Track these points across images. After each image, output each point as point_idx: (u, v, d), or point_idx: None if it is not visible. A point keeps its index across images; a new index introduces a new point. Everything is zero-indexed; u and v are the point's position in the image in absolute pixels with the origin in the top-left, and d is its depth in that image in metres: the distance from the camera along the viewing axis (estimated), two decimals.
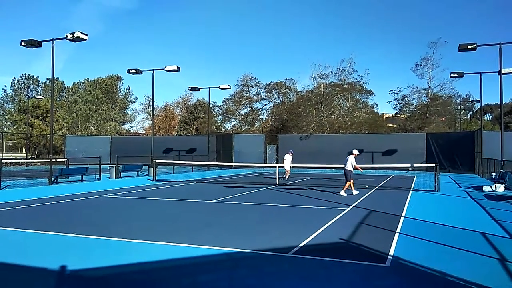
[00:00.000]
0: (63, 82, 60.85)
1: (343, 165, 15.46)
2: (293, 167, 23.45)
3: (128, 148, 40.54)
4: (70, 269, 5.77)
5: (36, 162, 41.34)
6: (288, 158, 22.86)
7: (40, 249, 7.06)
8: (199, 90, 36.29)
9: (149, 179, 22.67)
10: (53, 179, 19.57)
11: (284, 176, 22.67)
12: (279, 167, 21.52)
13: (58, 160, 30.98)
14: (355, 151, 15.66)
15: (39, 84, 59.90)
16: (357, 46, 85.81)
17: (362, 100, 49.54)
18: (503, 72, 22.24)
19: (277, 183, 19.80)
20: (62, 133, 49.99)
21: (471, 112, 63.00)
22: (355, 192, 15.15)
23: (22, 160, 40.07)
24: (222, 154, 38.11)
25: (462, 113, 51.24)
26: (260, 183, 20.63)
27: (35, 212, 11.05)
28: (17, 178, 23.02)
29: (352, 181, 15.20)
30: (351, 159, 15.29)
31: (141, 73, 28.65)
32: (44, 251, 6.89)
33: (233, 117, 57.06)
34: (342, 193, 14.92)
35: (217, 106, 58.08)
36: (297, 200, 13.58)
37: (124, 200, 13.78)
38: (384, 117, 58.63)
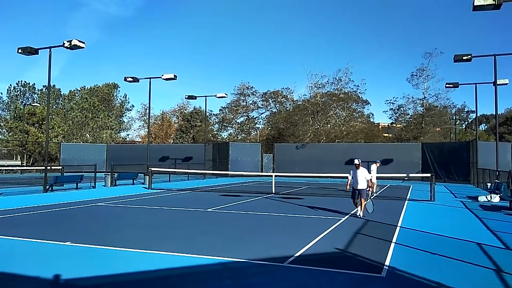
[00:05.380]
0: (60, 89, 60.75)
1: (338, 174, 14.56)
2: (291, 176, 21.54)
3: (124, 156, 40.40)
4: (64, 278, 5.71)
5: (31, 169, 41.10)
6: (374, 168, 19.10)
7: (34, 257, 6.98)
8: (196, 99, 36.35)
9: (145, 188, 22.55)
10: (48, 186, 19.43)
11: (370, 189, 18.34)
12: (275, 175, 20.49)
13: (53, 167, 30.76)
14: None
15: (35, 91, 59.73)
16: (353, 56, 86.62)
17: (358, 109, 49.83)
18: (498, 83, 22.44)
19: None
20: (57, 140, 49.76)
21: (466, 122, 63.38)
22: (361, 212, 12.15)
23: (17, 168, 39.84)
24: (218, 163, 38.08)
25: (457, 123, 51.54)
26: (257, 192, 20.58)
27: (29, 220, 10.95)
28: (12, 185, 22.85)
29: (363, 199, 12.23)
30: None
31: (138, 81, 28.62)
32: (38, 260, 6.81)
33: (230, 125, 57.13)
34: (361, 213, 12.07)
35: (213, 114, 58.23)
36: (293, 210, 13.54)
37: (119, 209, 13.69)
38: (380, 126, 58.86)
